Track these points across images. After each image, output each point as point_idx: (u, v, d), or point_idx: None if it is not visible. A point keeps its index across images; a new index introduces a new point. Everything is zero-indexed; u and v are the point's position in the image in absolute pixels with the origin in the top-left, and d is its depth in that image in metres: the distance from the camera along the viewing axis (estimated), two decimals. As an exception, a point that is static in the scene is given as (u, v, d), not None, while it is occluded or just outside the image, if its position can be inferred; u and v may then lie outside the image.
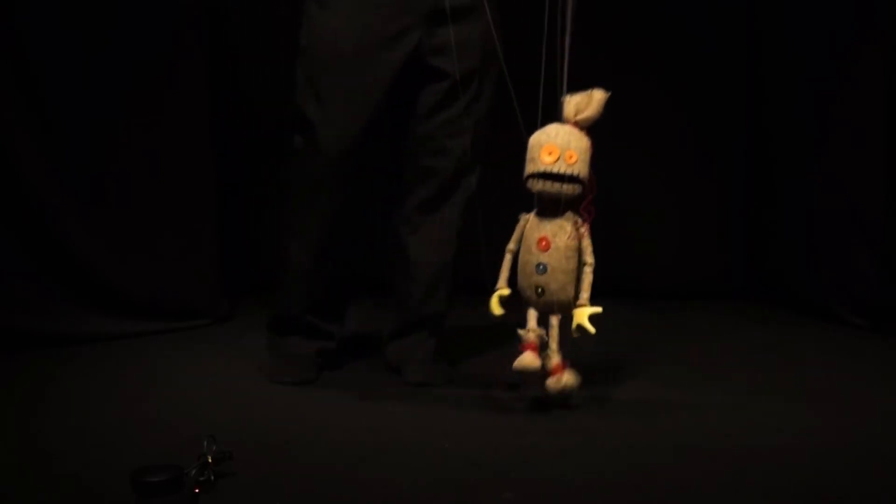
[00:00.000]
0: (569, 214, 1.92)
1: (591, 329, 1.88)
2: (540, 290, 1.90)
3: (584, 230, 1.92)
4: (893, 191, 2.64)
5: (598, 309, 1.89)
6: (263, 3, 3.26)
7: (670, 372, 2.27)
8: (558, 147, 1.86)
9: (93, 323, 2.57)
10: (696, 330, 2.78)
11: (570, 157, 1.86)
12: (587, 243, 1.91)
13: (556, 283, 1.89)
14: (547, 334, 1.92)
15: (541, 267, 1.90)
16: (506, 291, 1.97)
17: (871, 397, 2.05)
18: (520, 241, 1.95)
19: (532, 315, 1.94)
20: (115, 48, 2.59)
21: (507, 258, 1.97)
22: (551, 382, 1.90)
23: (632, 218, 3.29)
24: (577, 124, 1.90)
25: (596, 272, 1.93)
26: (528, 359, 1.90)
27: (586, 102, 1.91)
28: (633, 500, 1.50)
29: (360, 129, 2.05)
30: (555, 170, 1.85)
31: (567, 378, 1.91)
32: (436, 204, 2.18)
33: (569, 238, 1.90)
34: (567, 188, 1.87)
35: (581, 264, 1.91)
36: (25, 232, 2.50)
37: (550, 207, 1.91)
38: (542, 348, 1.92)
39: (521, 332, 1.93)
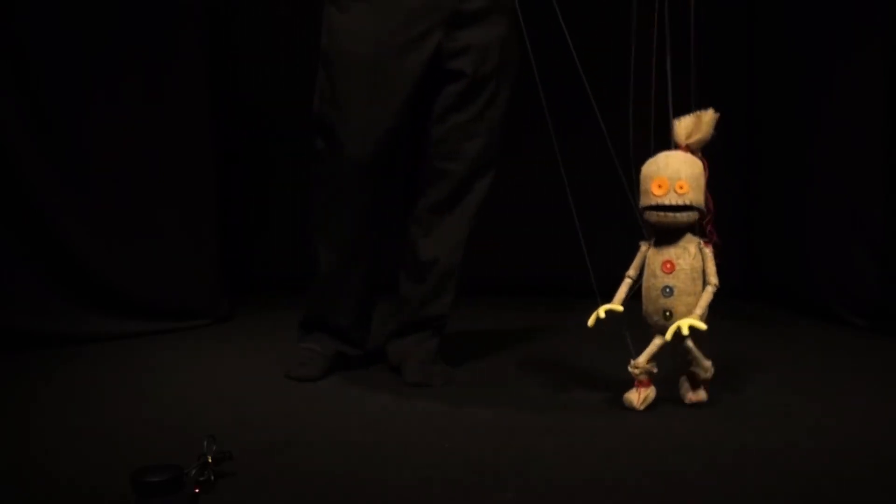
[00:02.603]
0: (689, 236, 1.93)
1: (685, 331, 1.86)
2: (668, 313, 1.90)
3: (708, 251, 1.92)
4: (893, 191, 2.64)
5: (703, 326, 1.86)
6: (264, 3, 3.27)
7: (669, 371, 2.27)
8: (668, 179, 1.88)
9: (93, 323, 2.57)
10: (696, 330, 2.78)
11: (681, 187, 1.88)
12: (710, 264, 1.92)
13: (684, 305, 1.89)
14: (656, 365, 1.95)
15: (667, 290, 1.90)
16: (619, 308, 1.95)
17: (871, 397, 2.05)
18: (640, 269, 1.97)
19: (652, 349, 1.94)
20: (116, 49, 2.59)
21: (626, 282, 1.98)
22: (691, 397, 1.97)
23: (632, 218, 3.29)
24: (687, 148, 1.93)
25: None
26: (632, 396, 1.94)
27: (696, 124, 1.93)
28: (633, 500, 1.50)
29: (381, 133, 2.05)
30: (666, 202, 1.88)
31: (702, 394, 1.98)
32: (448, 206, 2.18)
33: (693, 259, 1.91)
34: (682, 216, 1.89)
35: (704, 284, 1.91)
36: (25, 232, 2.51)
37: (669, 236, 1.93)
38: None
39: (632, 369, 1.94)
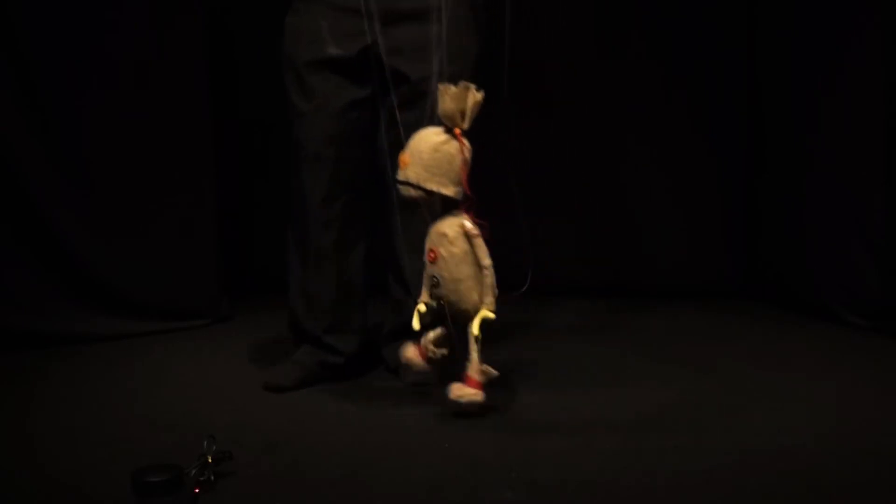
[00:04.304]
0: (452, 221, 1.86)
1: (475, 333, 1.83)
2: (441, 301, 1.86)
3: (473, 234, 1.84)
4: (893, 191, 2.64)
5: (491, 315, 1.83)
6: (264, 5, 3.27)
7: (670, 372, 2.27)
8: (408, 153, 1.85)
9: (92, 323, 2.57)
10: (696, 330, 2.78)
11: (403, 162, 1.84)
12: (479, 248, 1.85)
13: (453, 293, 1.85)
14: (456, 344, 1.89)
15: (434, 279, 1.86)
16: (422, 308, 1.90)
17: (871, 397, 2.05)
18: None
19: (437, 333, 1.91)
20: (116, 49, 2.59)
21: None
22: (454, 389, 1.86)
23: (632, 218, 3.29)
24: (448, 119, 1.85)
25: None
26: (409, 352, 1.93)
27: (459, 96, 1.83)
28: (633, 500, 1.50)
29: (333, 129, 2.07)
30: (399, 176, 1.85)
31: (470, 393, 1.86)
32: (412, 207, 2.15)
33: (452, 245, 1.84)
34: (407, 191, 1.84)
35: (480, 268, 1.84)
36: (25, 232, 2.51)
37: (436, 214, 1.88)
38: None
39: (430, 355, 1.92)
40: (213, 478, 1.51)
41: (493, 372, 1.89)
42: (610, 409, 1.96)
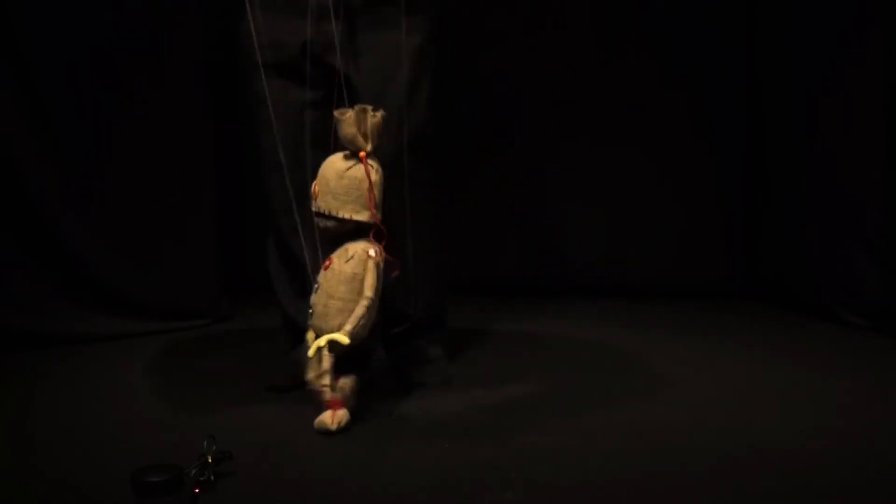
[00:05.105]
0: (363, 243, 1.79)
1: (311, 352, 1.75)
2: (310, 309, 1.81)
3: (372, 263, 1.77)
4: (893, 191, 2.64)
5: (343, 340, 1.73)
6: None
7: (670, 371, 2.27)
8: (317, 182, 1.80)
9: (92, 323, 2.57)
10: (697, 330, 2.78)
11: (314, 192, 1.80)
12: (370, 276, 1.76)
13: (322, 305, 1.78)
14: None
15: (316, 286, 1.81)
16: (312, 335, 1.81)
17: (871, 397, 2.05)
18: None
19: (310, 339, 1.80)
20: (116, 50, 2.59)
21: None
22: (325, 418, 1.77)
23: (632, 218, 3.29)
24: (351, 144, 1.78)
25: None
26: (325, 418, 1.78)
27: (359, 120, 1.76)
28: (633, 500, 1.50)
29: (289, 135, 1.99)
30: (314, 207, 1.80)
31: (341, 415, 1.78)
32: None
33: (347, 264, 1.77)
34: (323, 222, 1.79)
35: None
36: (25, 232, 2.51)
37: (343, 237, 1.81)
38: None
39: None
40: (213, 478, 1.51)
41: (349, 382, 1.82)
42: (610, 409, 1.96)
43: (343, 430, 1.78)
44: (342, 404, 1.79)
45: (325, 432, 1.77)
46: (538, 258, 3.32)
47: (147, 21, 2.63)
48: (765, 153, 3.18)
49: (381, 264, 1.79)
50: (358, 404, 1.85)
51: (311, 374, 1.79)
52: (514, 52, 3.25)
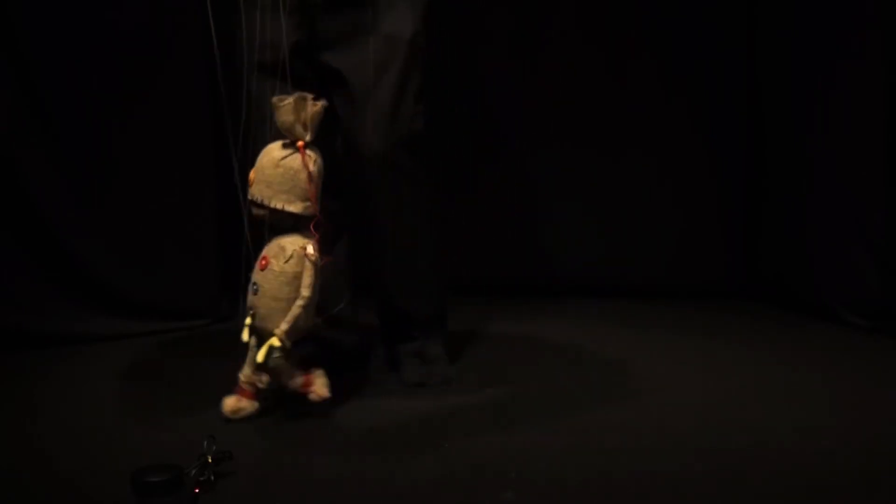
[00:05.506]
0: (297, 238, 1.78)
1: (259, 360, 1.76)
2: (252, 311, 1.79)
3: (308, 261, 1.76)
4: (893, 191, 2.64)
5: (277, 343, 1.75)
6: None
7: (670, 371, 2.27)
8: (254, 168, 1.79)
9: (93, 323, 2.57)
10: (697, 330, 2.78)
11: (250, 180, 1.79)
12: (307, 275, 1.75)
13: (266, 308, 1.77)
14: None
15: (254, 286, 1.79)
16: (249, 321, 1.82)
17: (871, 397, 2.05)
18: None
19: (251, 355, 1.82)
20: (116, 51, 2.59)
21: None
22: (228, 401, 1.82)
23: (632, 218, 3.29)
24: (289, 132, 1.77)
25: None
26: (227, 401, 1.83)
27: (297, 108, 1.74)
28: (633, 500, 1.50)
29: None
30: (249, 196, 1.78)
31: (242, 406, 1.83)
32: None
33: (287, 263, 1.76)
34: (256, 211, 1.79)
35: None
36: (25, 232, 2.50)
37: (278, 229, 1.80)
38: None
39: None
40: (213, 478, 1.51)
41: (264, 378, 1.83)
42: (610, 409, 1.96)
43: (242, 420, 1.82)
44: (253, 396, 1.83)
45: (223, 416, 1.81)
46: (538, 258, 3.32)
47: (147, 21, 2.63)
48: (765, 153, 3.18)
49: (318, 261, 1.78)
50: (344, 400, 1.88)
51: (247, 370, 1.83)
52: (513, 52, 3.25)
